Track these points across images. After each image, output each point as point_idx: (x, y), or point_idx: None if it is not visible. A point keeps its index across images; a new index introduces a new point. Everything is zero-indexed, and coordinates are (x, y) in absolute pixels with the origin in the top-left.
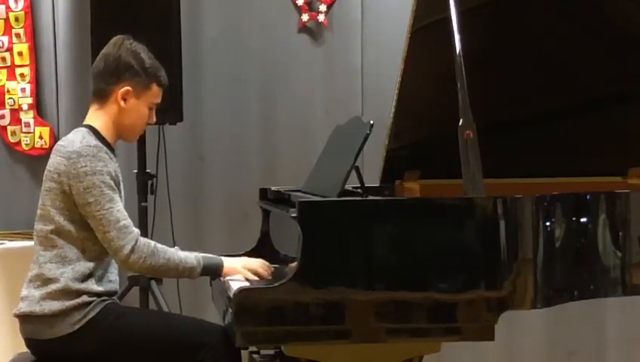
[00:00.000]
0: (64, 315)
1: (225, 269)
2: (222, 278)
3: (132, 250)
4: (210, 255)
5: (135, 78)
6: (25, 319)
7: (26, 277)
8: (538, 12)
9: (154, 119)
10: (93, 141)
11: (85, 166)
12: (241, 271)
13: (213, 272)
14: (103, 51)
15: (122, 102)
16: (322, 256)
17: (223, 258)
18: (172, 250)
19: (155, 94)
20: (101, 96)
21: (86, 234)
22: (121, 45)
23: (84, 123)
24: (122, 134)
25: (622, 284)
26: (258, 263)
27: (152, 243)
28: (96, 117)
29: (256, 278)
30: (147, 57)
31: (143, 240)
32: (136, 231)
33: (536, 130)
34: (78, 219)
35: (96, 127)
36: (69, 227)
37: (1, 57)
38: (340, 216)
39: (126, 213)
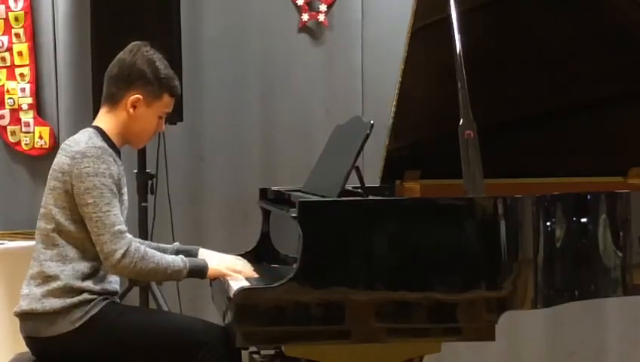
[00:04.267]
0: (65, 312)
1: (209, 271)
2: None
3: (123, 255)
4: (196, 258)
5: (147, 86)
6: (25, 317)
7: (26, 275)
8: (538, 12)
9: (163, 128)
10: (99, 142)
11: (88, 167)
12: (225, 272)
13: (198, 274)
14: (119, 56)
15: (131, 110)
16: (322, 256)
17: (207, 260)
18: (160, 254)
19: (166, 104)
20: (112, 101)
21: (86, 235)
22: (137, 52)
23: (93, 124)
24: (130, 140)
25: (622, 284)
26: (239, 263)
27: (142, 247)
28: (106, 120)
29: (240, 277)
30: (162, 66)
31: (134, 245)
32: (130, 236)
33: (537, 130)
34: (79, 219)
35: (104, 129)
36: (70, 227)
37: (0, 57)
38: (340, 216)
39: (122, 218)
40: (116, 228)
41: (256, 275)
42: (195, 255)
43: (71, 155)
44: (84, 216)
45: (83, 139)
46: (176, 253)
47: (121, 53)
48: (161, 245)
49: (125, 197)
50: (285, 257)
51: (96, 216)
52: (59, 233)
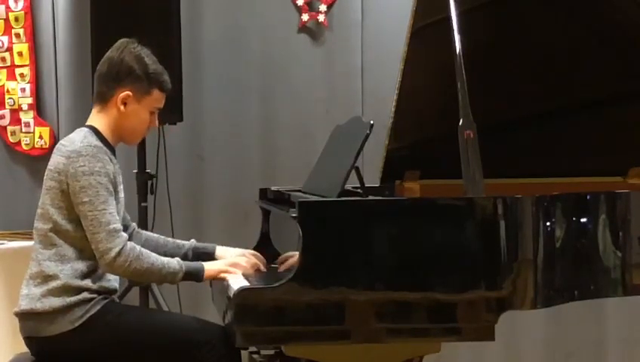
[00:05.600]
0: (65, 311)
1: (206, 273)
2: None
3: (118, 254)
4: (193, 262)
5: (136, 82)
6: (25, 316)
7: (25, 275)
8: (538, 12)
9: (156, 123)
10: (94, 141)
11: (83, 165)
12: (223, 268)
13: (195, 276)
14: (107, 54)
15: (122, 107)
16: (322, 256)
17: (203, 263)
18: (155, 255)
19: (157, 99)
20: (102, 99)
21: (83, 234)
22: (125, 49)
23: (87, 123)
24: (123, 137)
25: (622, 284)
26: (237, 257)
27: (138, 247)
28: (98, 119)
29: (237, 271)
30: (150, 62)
31: (129, 244)
32: (125, 235)
33: (537, 130)
34: (76, 218)
35: (98, 128)
36: (67, 226)
37: (1, 57)
38: (340, 216)
39: (117, 217)
40: (111, 226)
41: (258, 266)
42: (212, 252)
43: (66, 155)
44: (79, 215)
45: (78, 139)
46: (193, 250)
47: (109, 51)
48: (178, 241)
49: (121, 195)
50: None
51: (92, 214)
52: (56, 233)
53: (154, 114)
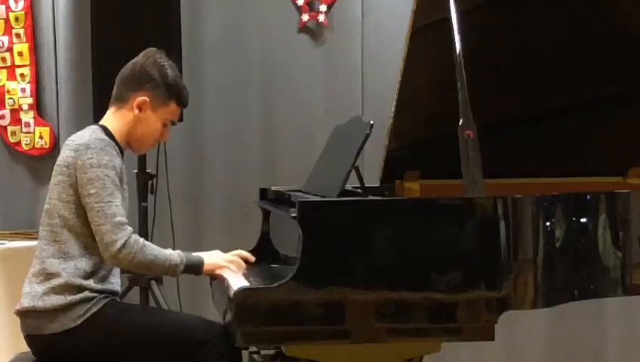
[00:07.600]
0: (66, 309)
1: (205, 266)
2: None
3: (123, 246)
4: (193, 254)
5: (155, 90)
6: (26, 314)
7: (28, 273)
8: (538, 12)
9: (166, 137)
10: (102, 136)
11: (92, 158)
12: (221, 263)
13: (195, 269)
14: (133, 60)
15: (137, 111)
16: (322, 256)
17: (202, 256)
18: (157, 247)
19: (172, 112)
20: (120, 101)
21: (89, 230)
22: (150, 57)
23: (99, 123)
24: (131, 143)
25: (622, 284)
26: (234, 256)
27: (141, 240)
28: (112, 119)
29: (235, 270)
30: (172, 74)
31: (134, 237)
32: (130, 228)
33: (537, 130)
34: (83, 213)
35: (110, 128)
36: (74, 221)
37: (1, 57)
38: (340, 216)
39: (123, 211)
40: (117, 218)
41: (252, 258)
42: None
43: (74, 148)
44: (85, 207)
45: (86, 134)
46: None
47: (136, 57)
48: None
49: (126, 193)
50: (285, 257)
51: (98, 206)
52: (62, 228)
53: (166, 126)
